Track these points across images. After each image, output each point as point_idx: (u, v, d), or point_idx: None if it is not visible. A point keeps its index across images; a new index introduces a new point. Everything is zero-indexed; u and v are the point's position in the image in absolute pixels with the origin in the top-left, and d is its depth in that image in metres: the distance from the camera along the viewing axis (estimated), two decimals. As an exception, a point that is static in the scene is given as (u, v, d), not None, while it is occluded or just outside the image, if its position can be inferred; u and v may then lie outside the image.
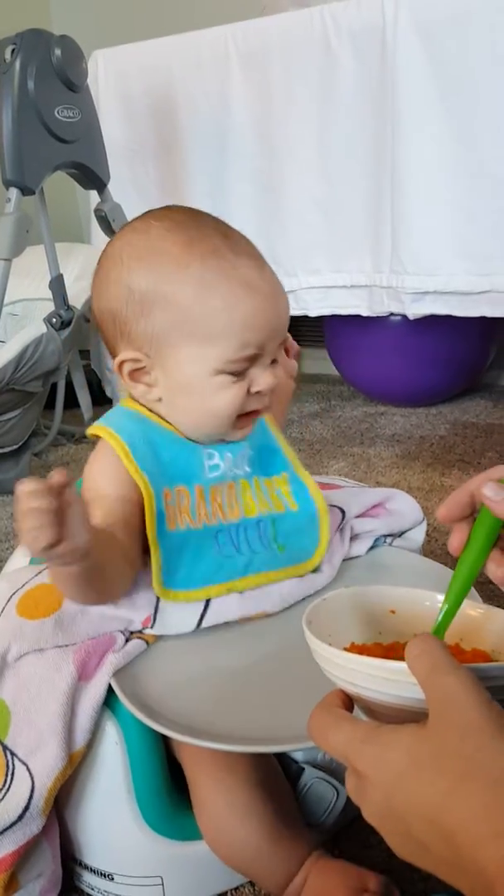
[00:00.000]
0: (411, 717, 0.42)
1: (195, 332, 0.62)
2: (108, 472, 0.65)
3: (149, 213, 0.66)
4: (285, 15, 1.44)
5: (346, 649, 0.51)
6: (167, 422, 0.68)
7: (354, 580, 0.76)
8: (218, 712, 0.59)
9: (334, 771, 0.70)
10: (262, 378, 0.64)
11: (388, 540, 0.80)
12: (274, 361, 0.66)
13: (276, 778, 0.64)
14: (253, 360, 0.63)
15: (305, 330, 2.36)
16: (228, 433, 0.68)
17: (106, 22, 2.33)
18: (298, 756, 0.68)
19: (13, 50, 1.19)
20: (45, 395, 1.59)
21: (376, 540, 0.80)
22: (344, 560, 0.77)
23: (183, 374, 0.64)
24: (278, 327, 0.64)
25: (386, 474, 1.58)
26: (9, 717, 0.61)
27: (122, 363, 0.66)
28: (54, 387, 1.63)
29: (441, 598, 0.51)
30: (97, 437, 0.67)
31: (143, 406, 0.68)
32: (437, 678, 0.40)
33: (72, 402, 1.72)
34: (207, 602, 0.67)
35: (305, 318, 1.62)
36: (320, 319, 1.66)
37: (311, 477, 0.81)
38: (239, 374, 0.63)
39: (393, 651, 0.52)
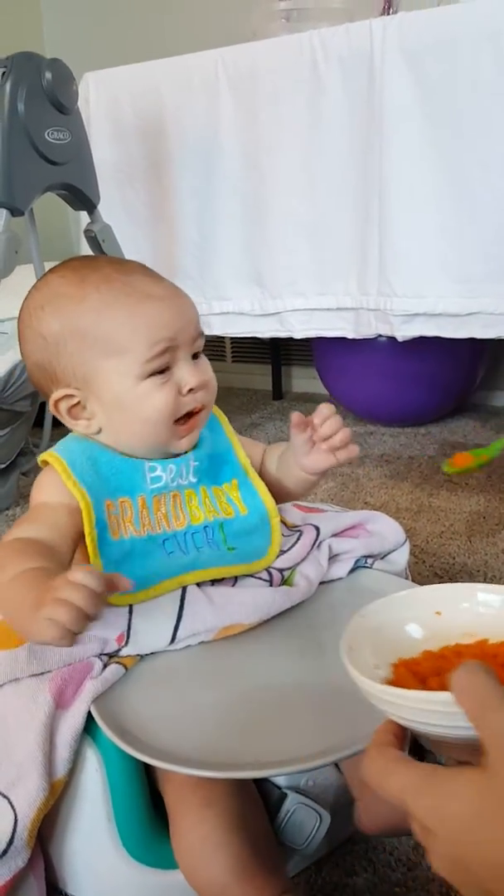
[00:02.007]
0: (471, 744, 0.40)
1: (108, 348, 0.67)
2: (48, 488, 0.69)
3: (49, 271, 0.72)
4: (275, 39, 1.46)
5: (394, 666, 0.49)
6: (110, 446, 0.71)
7: (335, 603, 0.75)
8: (199, 737, 0.59)
9: (318, 796, 0.70)
10: (188, 374, 0.68)
11: (370, 562, 0.80)
12: (197, 357, 0.70)
13: (255, 811, 0.63)
14: (170, 355, 0.67)
15: (294, 349, 2.37)
16: (172, 443, 0.70)
17: (98, 44, 2.36)
18: (281, 781, 0.68)
19: (3, 73, 1.20)
20: (34, 414, 1.59)
21: (357, 562, 0.79)
22: (324, 582, 0.77)
23: (113, 393, 0.68)
24: (184, 323, 0.68)
25: (374, 494, 1.58)
26: None
27: (56, 402, 0.70)
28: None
29: (482, 593, 0.51)
30: (46, 464, 0.70)
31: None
32: (488, 716, 0.38)
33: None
34: (180, 613, 0.66)
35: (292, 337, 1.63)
36: (308, 339, 1.67)
37: (308, 504, 0.83)
38: (162, 374, 0.67)
39: (445, 660, 0.49)
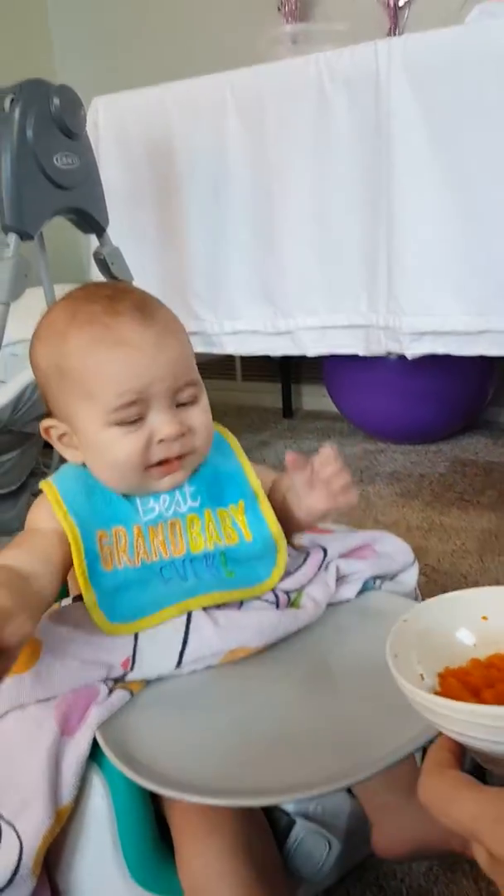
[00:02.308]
0: None
1: (82, 392, 0.67)
2: (42, 513, 0.69)
3: (63, 296, 0.72)
4: (281, 62, 1.48)
5: (440, 675, 0.47)
6: None
7: (345, 626, 0.75)
8: (205, 763, 0.58)
9: (327, 823, 0.69)
10: (160, 423, 0.67)
11: (378, 583, 0.80)
12: (186, 405, 0.69)
13: (262, 837, 0.62)
14: (139, 406, 0.66)
15: (304, 367, 2.37)
16: (150, 484, 0.70)
17: (108, 69, 2.39)
18: (289, 807, 0.67)
19: (12, 100, 1.21)
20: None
21: (366, 583, 0.79)
22: (332, 604, 0.76)
23: (85, 435, 0.69)
24: (161, 374, 0.67)
25: (385, 513, 1.57)
26: None
27: (47, 429, 0.72)
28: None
29: None
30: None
31: None
32: None
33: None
34: (185, 637, 0.66)
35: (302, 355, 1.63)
36: (318, 356, 1.67)
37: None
38: (131, 424, 0.67)
39: (496, 670, 0.47)
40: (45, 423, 0.72)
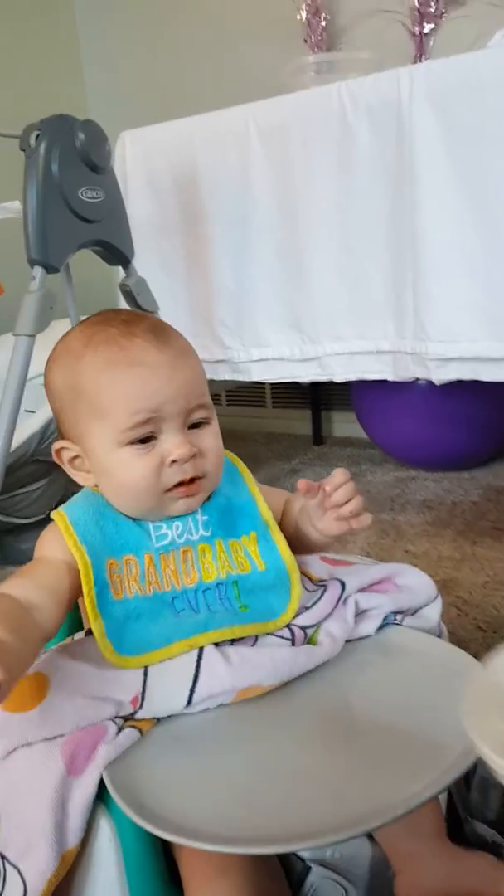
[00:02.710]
0: None
1: (94, 412, 0.67)
2: (51, 542, 0.68)
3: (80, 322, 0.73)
4: (303, 92, 1.48)
5: None
6: None
7: (364, 663, 0.72)
8: (216, 807, 0.56)
9: (345, 870, 0.66)
10: (172, 445, 0.67)
11: (399, 618, 0.77)
12: (200, 426, 0.69)
13: (275, 883, 0.60)
14: (152, 426, 0.66)
15: (334, 393, 2.36)
16: (166, 507, 0.69)
17: (140, 103, 2.43)
18: (305, 854, 0.65)
19: (37, 135, 1.24)
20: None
21: (386, 618, 0.76)
22: (350, 640, 0.74)
23: (96, 456, 0.68)
24: (174, 394, 0.67)
25: (415, 542, 1.54)
26: None
27: (58, 451, 0.71)
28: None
29: None
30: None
31: None
32: None
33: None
34: (196, 675, 0.64)
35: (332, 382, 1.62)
36: (348, 382, 1.66)
37: (335, 556, 0.82)
38: (144, 444, 0.66)
39: None
40: (57, 444, 0.72)
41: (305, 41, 2.05)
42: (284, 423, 2.52)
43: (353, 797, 0.55)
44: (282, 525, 0.77)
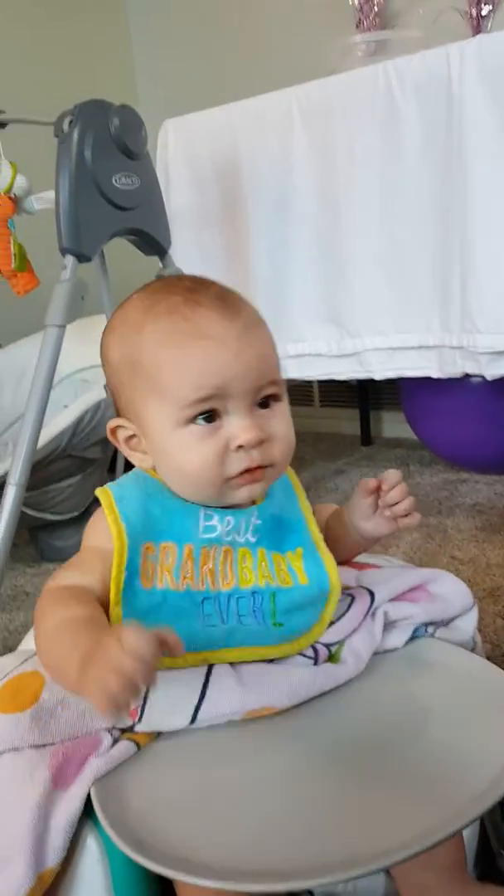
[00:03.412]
0: None
1: (155, 387, 0.61)
2: (95, 528, 0.64)
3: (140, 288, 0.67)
4: (349, 73, 1.42)
5: None
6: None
7: (390, 678, 0.66)
8: (218, 839, 0.50)
9: (356, 903, 0.60)
10: (238, 428, 0.60)
11: (431, 629, 0.70)
12: (269, 404, 0.63)
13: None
14: (216, 402, 0.60)
15: (384, 393, 2.28)
16: (225, 496, 0.63)
17: (189, 89, 2.40)
18: (316, 889, 0.59)
19: (71, 121, 1.20)
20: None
21: (416, 630, 0.70)
22: (377, 653, 0.67)
23: (155, 435, 0.62)
24: (243, 369, 0.60)
25: (462, 548, 1.46)
26: None
27: (113, 430, 0.66)
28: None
29: None
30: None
31: None
32: None
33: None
34: (203, 691, 0.59)
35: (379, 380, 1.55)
36: (395, 380, 1.58)
37: (363, 558, 0.78)
38: (206, 424, 0.60)
39: None
40: (113, 422, 0.66)
41: (357, 26, 1.98)
42: (332, 422, 2.45)
43: (370, 829, 0.50)
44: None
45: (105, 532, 0.62)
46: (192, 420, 0.60)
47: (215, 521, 0.64)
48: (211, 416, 0.60)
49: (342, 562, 0.73)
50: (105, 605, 0.59)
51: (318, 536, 0.68)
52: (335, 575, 0.67)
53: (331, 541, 0.71)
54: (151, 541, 0.62)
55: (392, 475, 0.68)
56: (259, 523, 0.65)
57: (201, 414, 0.60)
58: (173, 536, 0.63)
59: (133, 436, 0.65)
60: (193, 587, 0.62)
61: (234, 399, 0.60)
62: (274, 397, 0.63)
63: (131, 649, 0.47)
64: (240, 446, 0.60)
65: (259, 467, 0.62)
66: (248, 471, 0.61)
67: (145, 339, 0.62)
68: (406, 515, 0.69)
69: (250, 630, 0.62)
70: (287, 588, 0.65)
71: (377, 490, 0.68)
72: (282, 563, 0.66)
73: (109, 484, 0.65)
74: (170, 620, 0.60)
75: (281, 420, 0.63)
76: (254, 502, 0.66)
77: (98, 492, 0.65)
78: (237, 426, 0.60)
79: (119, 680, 0.46)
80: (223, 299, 0.63)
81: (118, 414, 0.67)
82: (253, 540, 0.65)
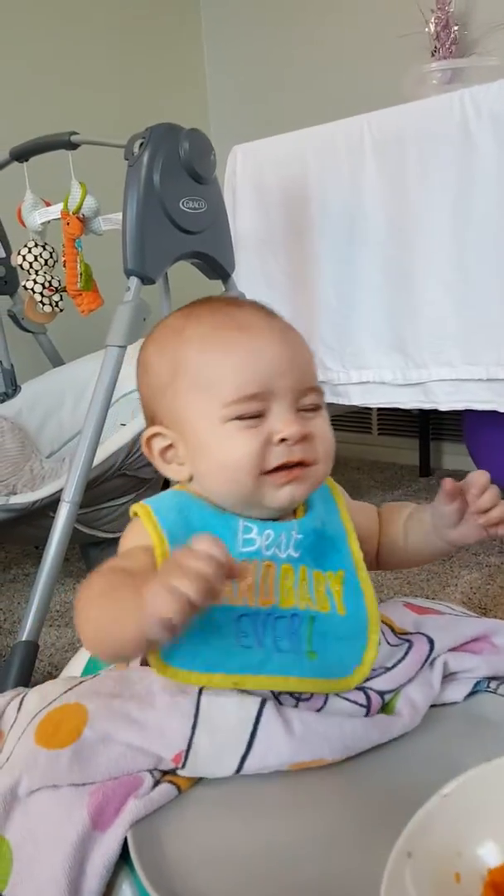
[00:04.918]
0: None
1: (199, 384, 0.61)
2: (132, 534, 0.63)
3: None
4: (423, 101, 1.40)
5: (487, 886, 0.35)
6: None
7: (447, 735, 0.62)
8: (256, 893, 0.48)
9: None
10: (281, 423, 0.59)
11: (494, 685, 0.66)
12: (312, 410, 0.62)
13: None
14: (260, 402, 0.59)
15: (445, 423, 2.23)
16: (267, 494, 0.60)
17: (260, 116, 2.41)
18: None
19: (141, 143, 1.21)
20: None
21: (477, 684, 0.66)
22: (434, 706, 0.64)
23: (197, 434, 0.61)
24: (287, 368, 0.60)
25: (524, 590, 1.39)
26: (10, 865, 0.53)
27: (149, 441, 0.65)
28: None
29: None
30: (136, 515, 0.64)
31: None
32: None
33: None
34: (251, 741, 0.56)
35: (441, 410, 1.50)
36: (458, 411, 1.54)
37: (423, 602, 0.75)
38: (251, 419, 0.59)
39: None
40: (149, 430, 0.65)
41: (433, 54, 1.96)
42: (391, 451, 2.40)
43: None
44: (380, 540, 0.72)
45: (143, 533, 0.61)
46: (237, 418, 0.60)
47: (254, 533, 0.62)
48: (255, 414, 0.60)
49: (418, 564, 0.71)
50: None
51: (358, 556, 0.66)
52: (373, 606, 0.64)
53: (411, 546, 0.70)
54: None
55: (479, 476, 0.63)
56: (300, 538, 0.62)
57: (245, 414, 0.59)
58: None
59: (169, 446, 0.64)
60: (231, 601, 0.60)
61: (279, 398, 0.60)
62: (316, 405, 0.63)
63: (204, 550, 0.48)
64: (282, 440, 0.59)
65: (300, 464, 0.60)
66: (287, 467, 0.60)
67: (187, 338, 0.63)
68: (500, 523, 0.64)
69: (285, 657, 0.59)
70: (325, 614, 0.62)
71: (461, 494, 0.64)
72: (322, 583, 0.63)
73: (146, 500, 0.64)
74: (205, 633, 0.58)
75: (323, 423, 0.63)
76: (294, 514, 0.64)
77: (135, 506, 0.63)
78: (280, 421, 0.60)
79: (193, 580, 0.46)
80: (262, 305, 0.65)
81: (151, 423, 0.66)
82: (296, 555, 0.62)
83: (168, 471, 0.65)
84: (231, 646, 0.59)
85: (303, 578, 0.62)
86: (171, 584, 0.46)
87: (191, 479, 0.64)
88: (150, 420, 0.66)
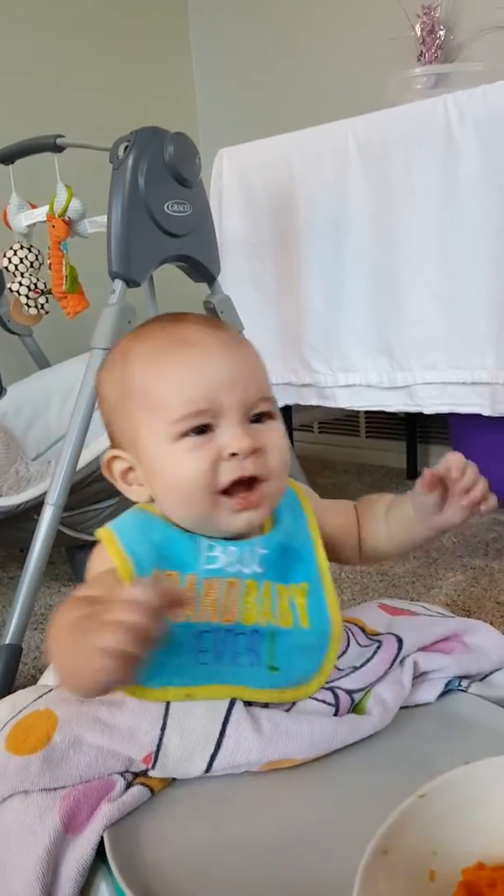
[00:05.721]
0: None
1: (146, 404, 0.61)
2: (97, 561, 0.62)
3: None
4: (407, 105, 1.41)
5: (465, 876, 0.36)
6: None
7: (419, 736, 0.62)
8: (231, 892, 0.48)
9: None
10: (230, 437, 0.58)
11: (465, 684, 0.67)
12: (262, 420, 0.61)
13: None
14: (208, 417, 0.59)
15: (432, 426, 2.24)
16: (222, 519, 0.60)
17: (249, 119, 2.41)
18: None
19: (126, 147, 1.22)
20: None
21: (449, 683, 0.66)
22: (405, 707, 0.64)
23: (150, 456, 0.60)
24: (234, 380, 0.59)
25: (507, 592, 1.40)
26: None
27: (108, 463, 0.64)
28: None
29: None
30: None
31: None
32: None
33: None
34: (220, 740, 0.56)
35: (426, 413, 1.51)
36: (445, 414, 1.55)
37: (399, 603, 0.75)
38: (200, 435, 0.58)
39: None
40: (109, 453, 0.64)
41: (419, 58, 1.97)
42: (378, 454, 2.41)
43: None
44: (361, 534, 0.73)
45: (111, 562, 0.60)
46: (185, 435, 0.59)
47: (217, 551, 0.61)
48: (203, 429, 0.59)
49: (400, 553, 0.72)
50: None
51: (324, 566, 0.65)
52: (336, 619, 0.64)
53: (394, 537, 0.71)
54: (160, 568, 0.60)
55: (455, 458, 0.64)
56: (265, 553, 0.62)
57: (193, 429, 0.59)
58: (175, 565, 0.61)
59: (129, 468, 0.63)
60: (193, 619, 0.60)
61: (227, 412, 0.59)
62: (267, 415, 0.62)
63: (128, 598, 0.47)
64: (233, 454, 0.58)
65: (253, 481, 0.59)
66: (241, 484, 0.59)
67: (132, 360, 0.62)
68: (483, 500, 0.65)
69: (241, 670, 0.60)
70: (287, 629, 0.62)
71: (441, 481, 0.65)
72: (284, 597, 0.63)
73: (109, 523, 0.64)
74: (166, 651, 0.55)
75: (275, 433, 0.62)
76: (262, 529, 0.64)
77: (99, 531, 0.63)
78: (229, 435, 0.59)
79: (116, 633, 0.45)
80: (208, 318, 0.65)
81: (112, 447, 0.65)
82: (260, 571, 0.62)
83: (130, 493, 0.65)
84: (190, 661, 0.59)
85: (266, 594, 0.62)
86: (98, 645, 0.46)
87: (151, 500, 0.63)
88: (111, 443, 0.66)
